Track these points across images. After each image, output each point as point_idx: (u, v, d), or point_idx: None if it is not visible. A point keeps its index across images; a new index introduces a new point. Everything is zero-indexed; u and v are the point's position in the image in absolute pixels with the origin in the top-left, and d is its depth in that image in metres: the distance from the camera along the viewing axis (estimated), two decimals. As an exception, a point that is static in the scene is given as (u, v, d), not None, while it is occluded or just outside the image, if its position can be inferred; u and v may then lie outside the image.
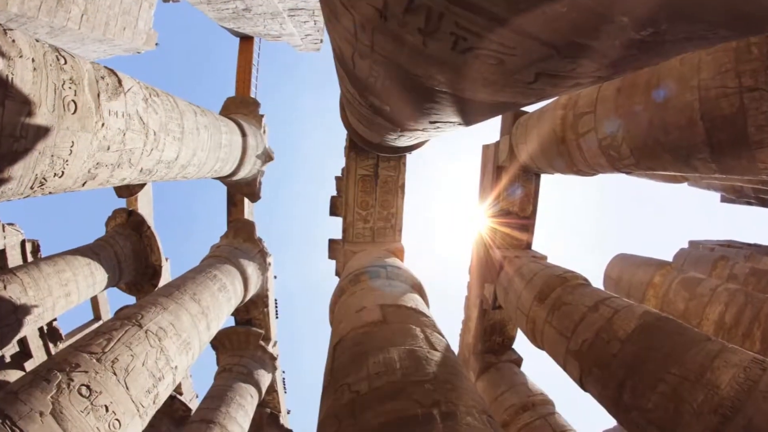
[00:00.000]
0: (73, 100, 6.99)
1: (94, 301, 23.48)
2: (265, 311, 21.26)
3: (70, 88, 6.97)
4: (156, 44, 22.77)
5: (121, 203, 20.68)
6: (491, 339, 18.19)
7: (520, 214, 16.27)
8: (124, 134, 8.21)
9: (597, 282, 19.51)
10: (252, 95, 22.88)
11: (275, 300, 22.51)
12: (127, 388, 8.64)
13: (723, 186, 20.55)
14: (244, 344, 21.14)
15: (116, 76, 8.32)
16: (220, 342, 21.09)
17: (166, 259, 21.59)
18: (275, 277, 22.20)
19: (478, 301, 17.69)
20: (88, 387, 8.02)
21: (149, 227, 20.72)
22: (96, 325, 22.71)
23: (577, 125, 11.66)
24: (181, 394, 23.32)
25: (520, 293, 13.49)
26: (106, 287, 18.80)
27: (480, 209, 17.14)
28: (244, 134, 15.87)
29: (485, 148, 17.57)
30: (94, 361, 8.50)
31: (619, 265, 20.61)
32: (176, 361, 10.32)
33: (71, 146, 7.03)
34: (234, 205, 20.61)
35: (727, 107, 7.50)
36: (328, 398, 6.02)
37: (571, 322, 10.71)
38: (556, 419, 14.81)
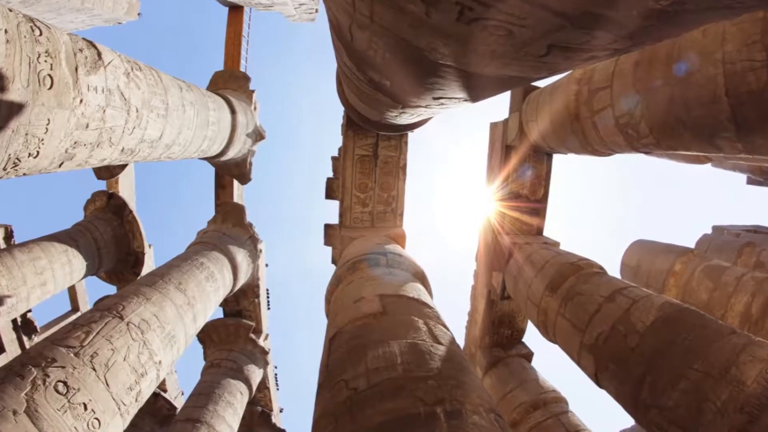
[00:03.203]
0: (49, 75, 6.97)
1: (72, 291, 23.49)
2: (256, 302, 21.30)
3: (45, 61, 6.94)
4: (138, 14, 22.69)
5: (101, 185, 20.64)
6: (499, 332, 18.24)
7: (531, 197, 16.28)
8: (104, 111, 8.19)
9: (614, 270, 19.56)
10: (242, 69, 22.78)
11: (267, 290, 22.55)
12: (108, 385, 8.66)
13: (750, 167, 20.54)
14: (233, 337, 21.18)
15: (95, 48, 8.29)
16: (208, 335, 21.06)
17: (149, 246, 21.59)
18: (267, 265, 22.23)
19: (485, 291, 17.72)
20: (65, 384, 8.00)
21: (131, 211, 20.70)
22: (74, 316, 22.74)
23: (592, 101, 11.64)
24: (165, 391, 23.38)
25: (531, 282, 13.52)
26: (85, 276, 18.83)
27: (488, 192, 17.12)
28: (233, 111, 15.83)
29: (493, 126, 17.55)
30: (72, 355, 8.50)
31: (637, 252, 20.62)
32: (160, 355, 10.35)
33: (47, 124, 7.01)
34: (222, 187, 20.58)
35: (754, 82, 7.47)
36: (324, 395, 6.04)
37: (586, 313, 10.73)
38: (569, 418, 14.88)
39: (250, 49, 23.77)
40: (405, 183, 15.35)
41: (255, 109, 19.00)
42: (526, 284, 13.87)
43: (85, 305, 24.15)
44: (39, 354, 8.33)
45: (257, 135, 18.63)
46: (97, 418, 8.24)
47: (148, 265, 21.29)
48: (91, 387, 8.35)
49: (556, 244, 15.61)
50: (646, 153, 11.34)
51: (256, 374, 20.97)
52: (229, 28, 24.15)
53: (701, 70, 8.22)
